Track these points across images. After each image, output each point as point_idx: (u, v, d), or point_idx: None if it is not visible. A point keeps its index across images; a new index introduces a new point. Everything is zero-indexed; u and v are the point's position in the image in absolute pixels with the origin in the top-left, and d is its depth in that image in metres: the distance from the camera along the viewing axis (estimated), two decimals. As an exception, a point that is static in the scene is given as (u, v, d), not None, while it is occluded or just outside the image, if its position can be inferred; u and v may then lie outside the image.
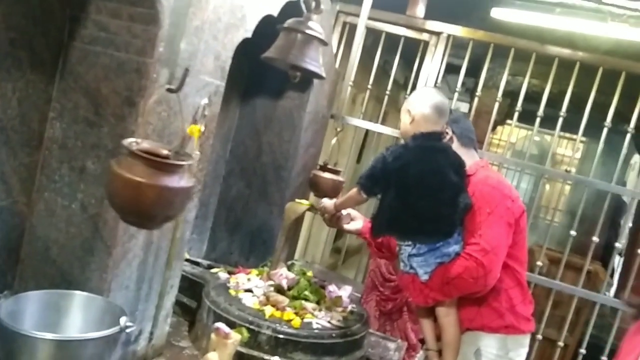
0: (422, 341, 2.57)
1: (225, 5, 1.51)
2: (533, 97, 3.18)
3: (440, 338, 1.95)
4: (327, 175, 2.03)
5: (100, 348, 1.19)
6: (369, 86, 3.13)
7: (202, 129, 1.49)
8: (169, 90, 1.11)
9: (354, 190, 1.83)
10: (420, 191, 1.72)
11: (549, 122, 3.03)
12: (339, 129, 2.08)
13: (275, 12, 1.77)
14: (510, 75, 3.74)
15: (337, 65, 3.03)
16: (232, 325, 1.68)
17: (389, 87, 3.12)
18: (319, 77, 1.57)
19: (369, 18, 3.01)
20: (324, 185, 2.02)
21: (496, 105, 3.03)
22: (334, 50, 2.96)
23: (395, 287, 2.53)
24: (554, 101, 2.90)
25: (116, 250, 1.36)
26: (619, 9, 2.70)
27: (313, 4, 1.46)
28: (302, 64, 1.43)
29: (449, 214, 1.75)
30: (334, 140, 2.05)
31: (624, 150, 2.84)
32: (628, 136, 2.78)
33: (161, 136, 1.40)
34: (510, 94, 3.91)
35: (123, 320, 1.23)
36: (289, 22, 1.50)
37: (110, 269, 1.37)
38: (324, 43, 1.48)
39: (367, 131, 3.88)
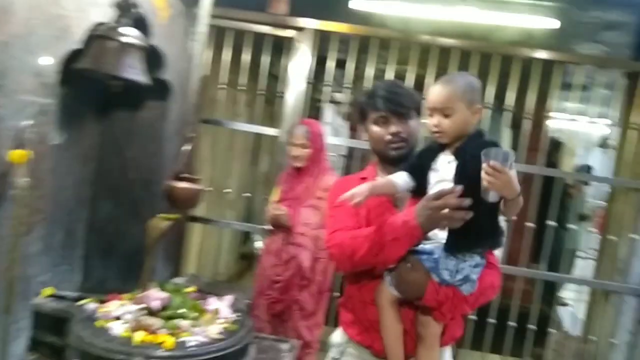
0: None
1: (40, 17, 1.39)
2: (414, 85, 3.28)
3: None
4: (182, 184, 1.94)
5: None
6: (240, 87, 3.07)
7: (30, 153, 1.36)
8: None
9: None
10: None
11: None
12: (192, 135, 1.99)
13: (107, 19, 1.66)
14: (384, 64, 3.86)
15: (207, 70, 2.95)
16: (99, 359, 1.56)
17: (261, 86, 3.08)
18: (142, 84, 1.48)
19: (232, 18, 2.97)
20: (181, 196, 1.93)
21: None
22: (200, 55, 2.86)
23: (282, 288, 2.51)
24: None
25: None
26: (466, -6, 2.87)
27: (128, 8, 1.37)
28: (119, 72, 1.34)
29: None
30: (188, 147, 1.96)
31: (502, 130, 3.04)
32: (506, 114, 2.95)
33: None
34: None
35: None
36: (100, 28, 1.40)
37: None
38: (142, 48, 1.40)
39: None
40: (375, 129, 1.64)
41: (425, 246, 1.50)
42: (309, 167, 2.59)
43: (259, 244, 2.65)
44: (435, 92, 1.49)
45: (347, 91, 3.16)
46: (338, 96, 6.08)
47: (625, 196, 3.04)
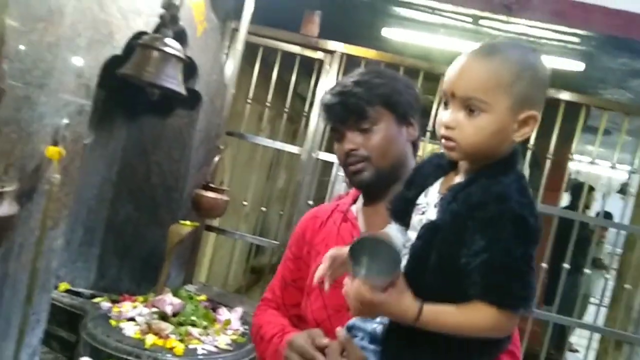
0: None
1: (86, 20, 1.45)
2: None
3: None
4: (210, 194, 1.98)
5: None
6: (268, 103, 3.13)
7: (63, 151, 1.41)
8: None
9: (512, 317, 0.80)
10: None
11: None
12: (221, 147, 2.04)
13: (149, 29, 1.72)
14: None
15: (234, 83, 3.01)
16: (109, 357, 1.58)
17: (287, 104, 3.14)
18: (179, 94, 1.53)
19: (264, 36, 3.04)
20: (207, 205, 1.97)
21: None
22: (231, 69, 2.92)
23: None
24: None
25: (-41, 286, 1.23)
26: (494, 30, 2.91)
27: (171, 20, 1.43)
28: (159, 81, 1.39)
29: None
30: (216, 158, 2.01)
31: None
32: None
33: (10, 159, 1.30)
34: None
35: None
36: (145, 38, 1.46)
37: (-48, 308, 1.24)
38: (182, 60, 1.45)
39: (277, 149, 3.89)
40: (335, 146, 1.14)
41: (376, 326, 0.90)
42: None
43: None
44: (460, 65, 0.85)
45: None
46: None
47: (643, 244, 3.00)
